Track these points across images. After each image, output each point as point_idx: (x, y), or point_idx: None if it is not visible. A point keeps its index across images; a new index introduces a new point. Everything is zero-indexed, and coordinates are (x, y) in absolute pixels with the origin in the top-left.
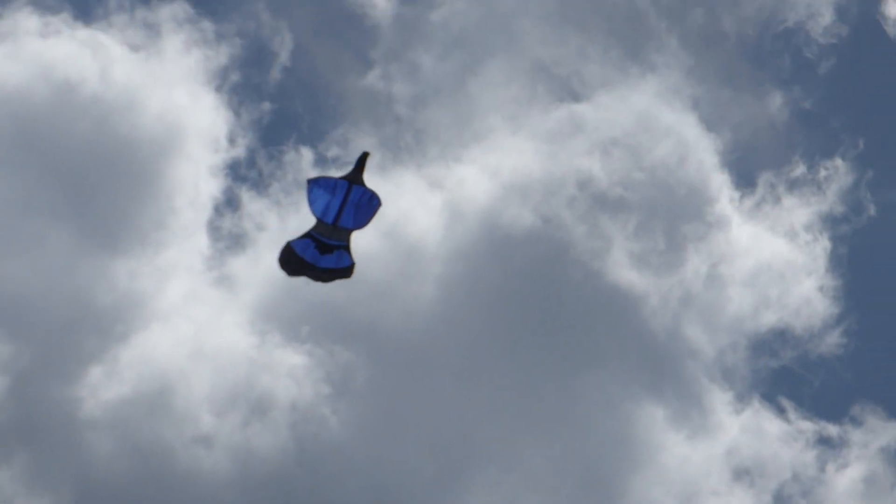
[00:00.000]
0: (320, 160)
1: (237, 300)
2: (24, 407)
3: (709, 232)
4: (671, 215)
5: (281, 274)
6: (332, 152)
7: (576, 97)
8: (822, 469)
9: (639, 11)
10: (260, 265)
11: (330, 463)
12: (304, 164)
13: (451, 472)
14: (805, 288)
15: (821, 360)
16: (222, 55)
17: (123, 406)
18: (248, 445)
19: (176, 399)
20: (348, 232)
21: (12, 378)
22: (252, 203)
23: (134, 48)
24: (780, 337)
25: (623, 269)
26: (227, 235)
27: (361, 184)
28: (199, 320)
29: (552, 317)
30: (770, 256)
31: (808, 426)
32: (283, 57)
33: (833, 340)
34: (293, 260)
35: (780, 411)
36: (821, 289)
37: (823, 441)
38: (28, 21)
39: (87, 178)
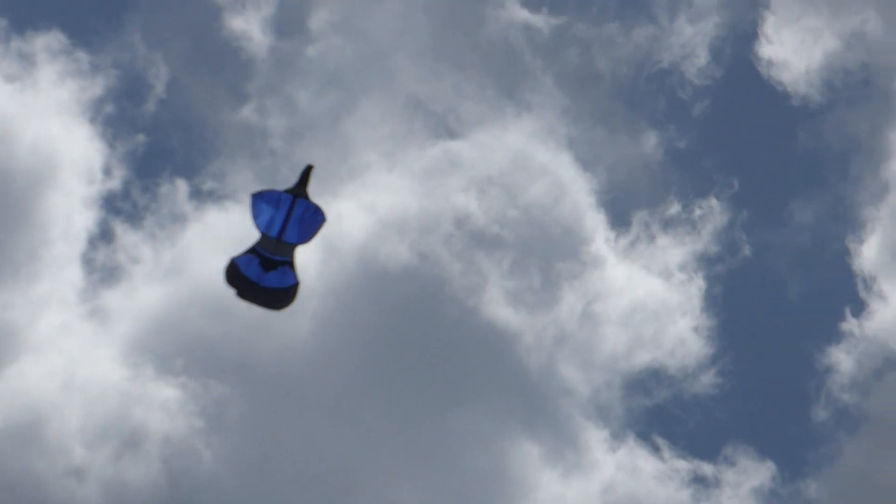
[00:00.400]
0: (196, 193)
1: (110, 333)
2: None
3: (584, 270)
4: (547, 254)
5: (158, 306)
6: (208, 185)
7: (452, 134)
8: None
9: (514, 50)
10: (134, 298)
11: (203, 497)
12: (179, 196)
13: None
14: (680, 328)
15: (695, 400)
16: (97, 86)
17: None
18: (120, 478)
19: (48, 431)
20: (293, 247)
21: None
22: (126, 236)
23: (8, 79)
24: (654, 376)
25: (498, 306)
26: (101, 268)
27: (306, 197)
28: (71, 353)
29: (428, 353)
30: (645, 296)
31: (683, 465)
32: (159, 89)
33: (707, 380)
34: (237, 277)
35: (655, 450)
36: (696, 329)
37: (698, 480)
38: None
39: None
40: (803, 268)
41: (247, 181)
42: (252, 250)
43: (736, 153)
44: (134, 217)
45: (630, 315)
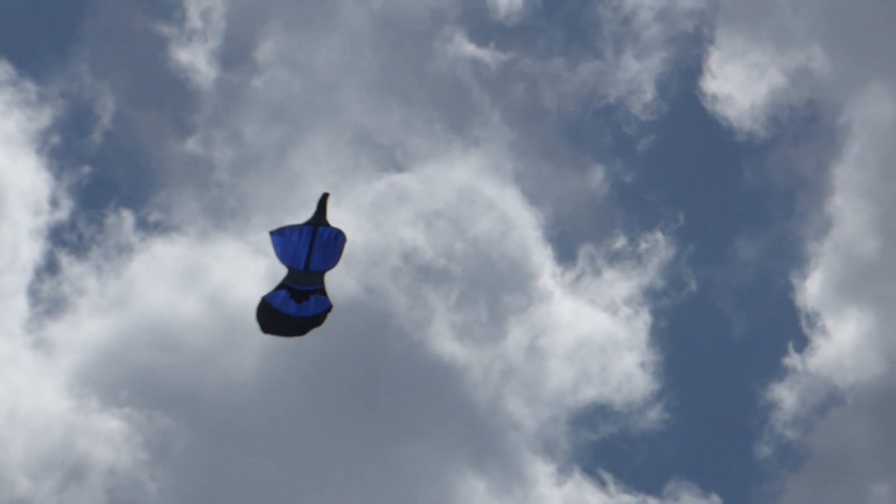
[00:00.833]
0: (142, 224)
1: (55, 364)
2: None
3: (531, 304)
4: (493, 288)
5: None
6: (154, 217)
7: (399, 168)
8: None
9: (462, 85)
10: (79, 329)
11: None
12: (125, 227)
13: None
14: (626, 363)
15: (641, 435)
16: (45, 117)
17: None
18: None
19: None
20: (321, 274)
21: None
22: (72, 267)
23: None
24: (600, 411)
25: (445, 340)
26: (47, 299)
27: (326, 225)
28: (15, 383)
29: (374, 387)
30: (591, 330)
31: (629, 499)
32: (105, 120)
33: (653, 416)
34: (272, 315)
35: (602, 484)
36: (642, 364)
37: None
38: None
39: None
40: (747, 303)
41: (193, 213)
42: (282, 286)
43: (681, 188)
44: (80, 248)
45: (577, 350)
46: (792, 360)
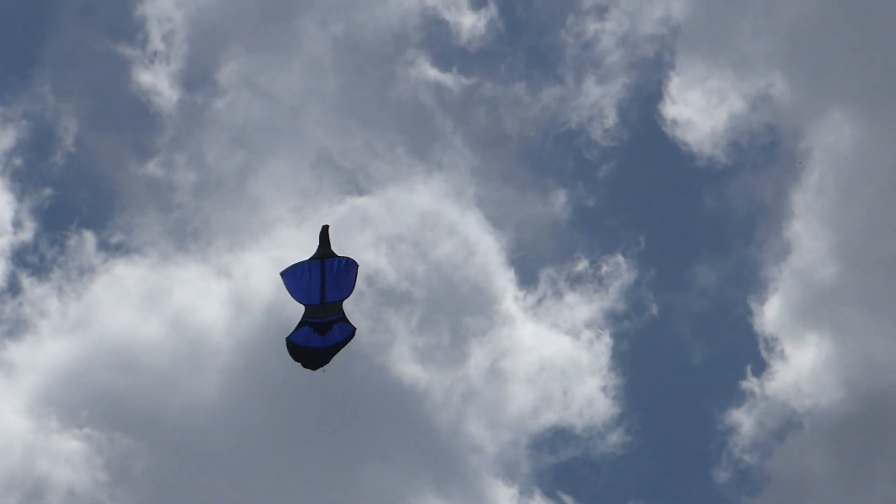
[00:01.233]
0: (104, 246)
1: (16, 385)
2: None
3: (492, 328)
4: (455, 311)
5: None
6: (116, 238)
7: (361, 191)
8: None
9: (424, 110)
10: (40, 350)
11: None
12: (87, 249)
13: None
14: (588, 387)
15: (602, 459)
16: (8, 139)
17: None
18: None
19: None
20: (339, 304)
21: None
22: (34, 288)
23: None
24: (561, 435)
25: (407, 363)
26: (8, 320)
27: (333, 256)
28: None
29: (336, 410)
30: (553, 354)
31: None
32: (67, 142)
33: (614, 439)
34: (301, 353)
35: None
36: (603, 388)
37: None
38: None
39: None
40: (707, 329)
41: (155, 235)
42: (303, 323)
43: (642, 212)
44: (42, 270)
45: (538, 373)
46: (750, 383)
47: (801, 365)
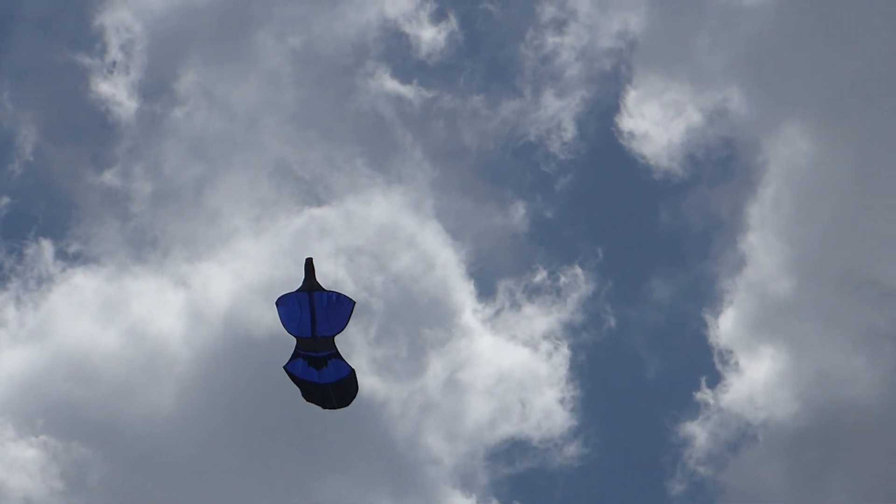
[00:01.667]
0: (61, 255)
1: None
2: None
3: (450, 339)
4: (414, 322)
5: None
6: (74, 248)
7: (321, 202)
8: None
9: (384, 122)
10: None
11: None
12: (45, 258)
13: None
14: (546, 399)
15: (559, 470)
16: None
17: None
18: None
19: None
20: (330, 339)
21: None
22: None
23: None
24: (518, 446)
25: (365, 375)
26: None
27: (320, 289)
28: None
29: (294, 421)
30: (511, 365)
31: None
32: (26, 151)
33: (571, 451)
34: (301, 384)
35: None
36: (561, 401)
37: None
38: None
39: None
40: (663, 341)
41: (113, 245)
42: (296, 354)
43: (600, 224)
44: None
45: (496, 384)
46: (704, 395)
47: (756, 378)
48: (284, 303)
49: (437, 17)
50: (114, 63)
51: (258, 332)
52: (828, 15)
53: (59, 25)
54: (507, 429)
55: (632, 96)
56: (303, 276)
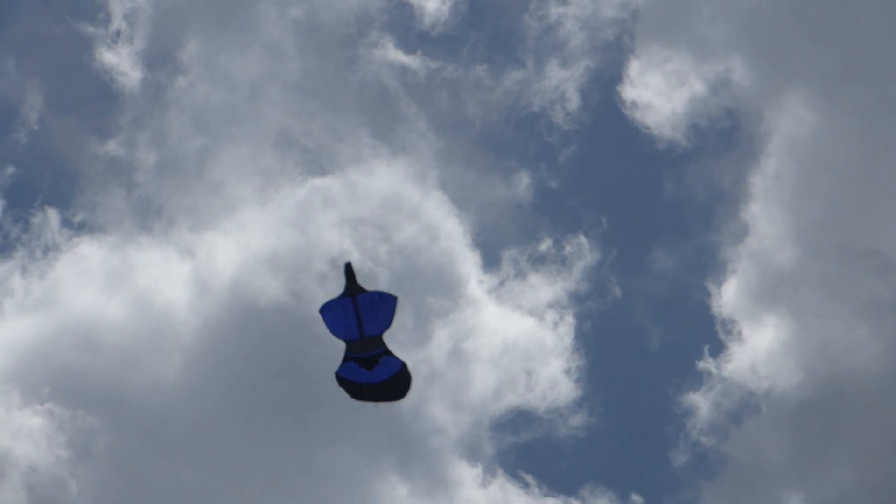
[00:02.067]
0: (67, 223)
1: None
2: None
3: (455, 309)
4: (419, 292)
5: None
6: (79, 217)
7: (324, 172)
8: None
9: (388, 92)
10: (3, 328)
11: None
12: (51, 227)
13: None
14: (551, 368)
15: (564, 441)
16: None
17: None
18: None
19: None
20: (379, 337)
21: None
22: None
23: None
24: (523, 416)
25: None
26: None
27: (362, 291)
28: None
29: (298, 390)
30: (516, 335)
31: (552, 502)
32: (31, 120)
33: (576, 421)
34: (349, 387)
35: (525, 486)
36: (567, 371)
37: None
38: None
39: None
40: (666, 311)
41: (118, 213)
42: (347, 358)
43: (604, 194)
44: (4, 248)
45: (501, 354)
46: (707, 364)
47: (759, 347)
48: (329, 310)
49: None
50: (118, 33)
51: (263, 301)
52: None
53: None
54: (512, 399)
55: (635, 66)
56: (344, 281)
